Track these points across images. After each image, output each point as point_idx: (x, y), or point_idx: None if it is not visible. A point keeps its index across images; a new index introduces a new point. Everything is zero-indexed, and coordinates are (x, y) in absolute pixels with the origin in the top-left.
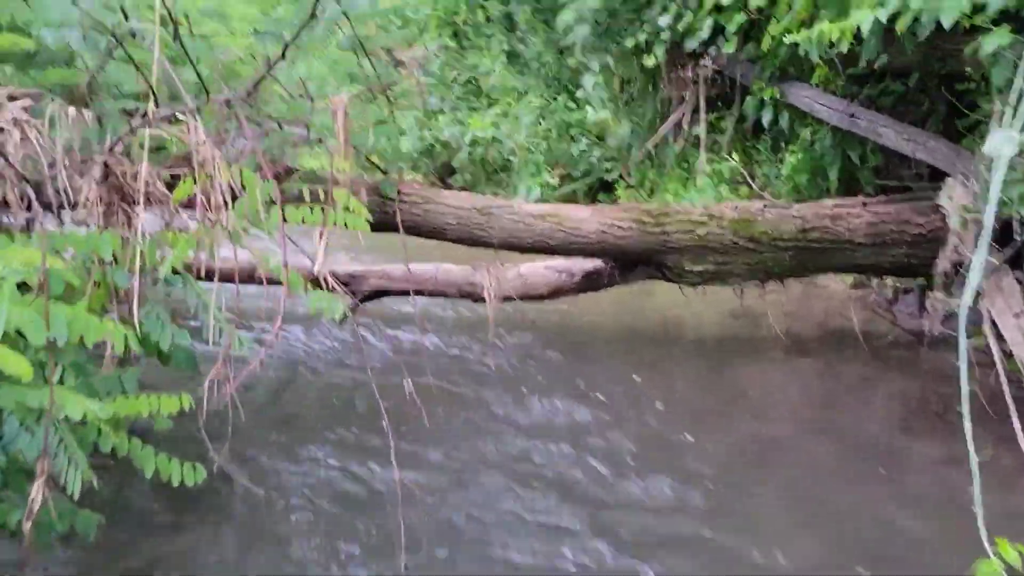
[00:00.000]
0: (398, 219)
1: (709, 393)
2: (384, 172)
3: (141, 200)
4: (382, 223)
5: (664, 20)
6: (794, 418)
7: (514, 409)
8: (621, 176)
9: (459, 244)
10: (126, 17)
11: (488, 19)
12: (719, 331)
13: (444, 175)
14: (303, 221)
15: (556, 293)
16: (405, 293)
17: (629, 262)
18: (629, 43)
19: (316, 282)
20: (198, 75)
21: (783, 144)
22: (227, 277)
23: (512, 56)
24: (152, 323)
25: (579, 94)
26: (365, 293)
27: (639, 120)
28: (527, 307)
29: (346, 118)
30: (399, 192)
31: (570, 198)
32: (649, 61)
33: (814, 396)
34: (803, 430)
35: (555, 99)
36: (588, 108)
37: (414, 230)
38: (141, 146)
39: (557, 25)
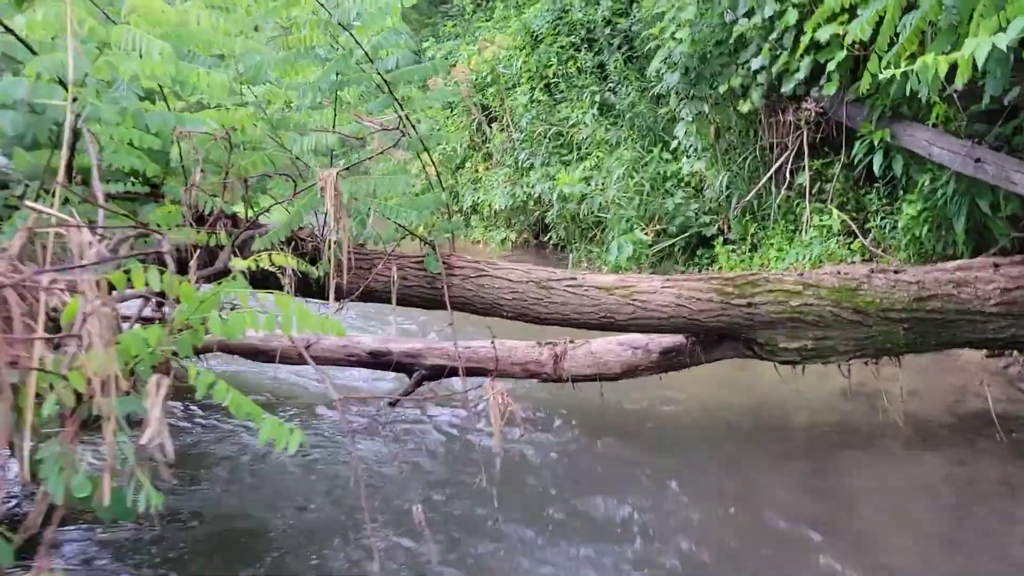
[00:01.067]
0: (446, 295)
1: (807, 502)
2: (431, 245)
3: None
4: (431, 299)
5: (758, 62)
6: (915, 542)
7: (567, 510)
8: (720, 231)
9: (516, 321)
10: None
11: (580, 70)
12: (825, 416)
13: (538, 233)
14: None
15: (631, 372)
16: (467, 373)
17: (713, 338)
18: (723, 88)
19: (377, 358)
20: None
21: (901, 192)
22: (271, 357)
23: (604, 107)
24: (48, 468)
25: (674, 144)
26: (423, 373)
27: (738, 170)
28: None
29: (337, 193)
30: (448, 265)
31: (666, 255)
32: (745, 106)
33: (941, 509)
34: (926, 560)
35: (650, 151)
36: (684, 159)
37: (467, 306)
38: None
39: (649, 73)
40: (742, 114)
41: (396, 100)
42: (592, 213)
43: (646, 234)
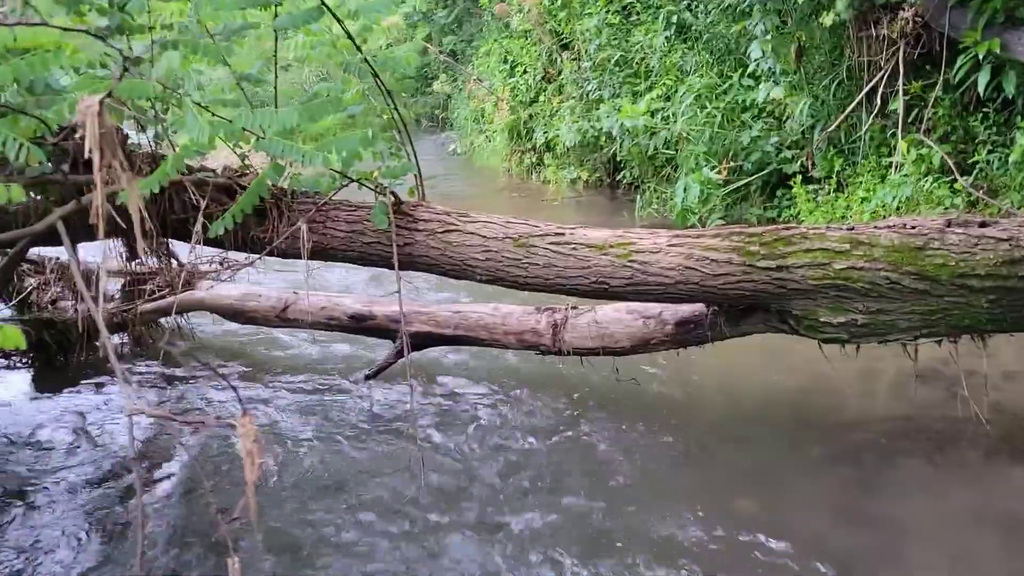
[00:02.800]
0: (394, 251)
1: (842, 532)
2: (381, 192)
3: None
4: (389, 259)
5: None
6: None
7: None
8: (803, 168)
9: (491, 285)
10: None
11: None
12: (889, 407)
13: (611, 172)
14: None
15: (641, 346)
16: (453, 342)
17: (739, 308)
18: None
19: (359, 322)
20: None
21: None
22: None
23: (681, 28)
24: None
25: (751, 67)
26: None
27: (823, 96)
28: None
29: (106, 131)
30: (411, 218)
31: (741, 198)
32: (830, 19)
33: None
34: None
35: (728, 77)
36: (762, 86)
37: (433, 267)
38: None
39: None
40: (827, 28)
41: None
42: (658, 150)
43: (719, 172)
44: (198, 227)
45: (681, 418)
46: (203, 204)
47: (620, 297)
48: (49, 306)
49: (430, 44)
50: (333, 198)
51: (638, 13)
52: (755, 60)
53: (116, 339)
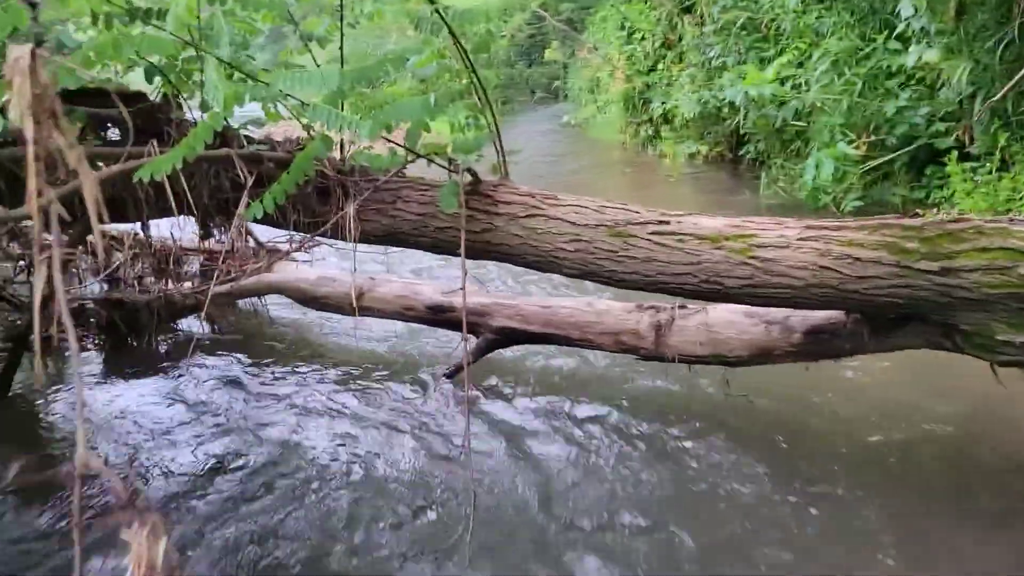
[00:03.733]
0: (461, 238)
1: None
2: (454, 169)
3: None
4: (471, 245)
5: None
6: None
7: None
8: (959, 143)
9: (583, 280)
10: None
11: None
12: None
13: (734, 146)
14: None
15: (761, 357)
16: (542, 340)
17: (888, 317)
18: None
19: (437, 313)
20: None
21: None
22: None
23: None
24: None
25: (900, 28)
26: (488, 338)
27: (987, 60)
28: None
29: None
30: (491, 200)
31: (882, 176)
32: None
33: None
34: None
35: (871, 40)
36: (912, 49)
37: (514, 258)
38: None
39: None
40: None
41: None
42: (787, 122)
43: (857, 147)
44: (241, 208)
45: (804, 448)
46: (249, 182)
47: (736, 300)
48: (136, 283)
49: (545, 10)
50: (407, 174)
51: None
52: (905, 19)
53: (193, 322)
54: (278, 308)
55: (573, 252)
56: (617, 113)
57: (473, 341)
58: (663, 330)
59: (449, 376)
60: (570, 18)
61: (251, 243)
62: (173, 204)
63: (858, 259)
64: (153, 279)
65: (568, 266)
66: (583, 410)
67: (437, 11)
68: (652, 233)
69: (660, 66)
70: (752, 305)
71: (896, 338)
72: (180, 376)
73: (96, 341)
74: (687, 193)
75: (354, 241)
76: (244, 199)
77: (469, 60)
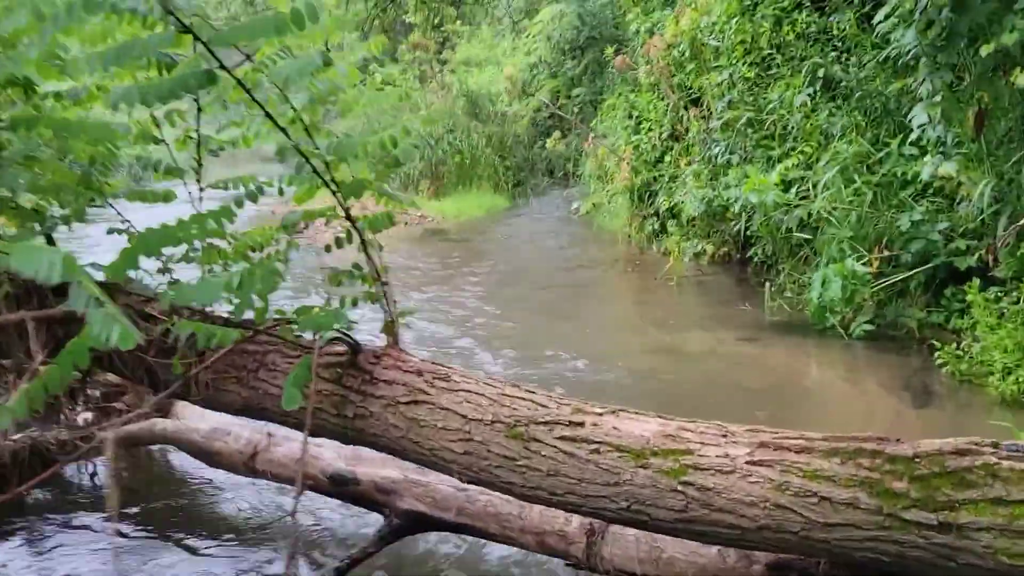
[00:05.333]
0: (306, 426)
1: None
2: (305, 347)
3: None
4: (338, 431)
5: None
6: None
7: None
8: (982, 263)
9: (474, 486)
10: None
11: (798, 36)
12: None
13: (741, 246)
14: None
15: None
16: (456, 530)
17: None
18: (988, 49)
19: (339, 485)
20: None
21: None
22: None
23: (828, 84)
24: None
25: (915, 135)
26: (393, 523)
27: (1010, 174)
28: None
29: None
30: (368, 377)
31: (896, 294)
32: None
33: None
34: None
35: (884, 144)
36: (927, 159)
37: (394, 451)
38: None
39: (876, 28)
40: (1020, 89)
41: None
42: (792, 231)
43: (868, 263)
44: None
45: None
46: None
47: (669, 533)
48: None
49: (556, 96)
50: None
51: (778, 66)
52: (919, 127)
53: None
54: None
55: (462, 455)
56: (623, 204)
57: (379, 523)
58: (596, 536)
59: (340, 572)
60: (582, 103)
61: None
62: None
63: (826, 499)
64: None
65: (459, 470)
66: None
67: (295, 147)
68: (560, 438)
69: (667, 158)
70: (692, 540)
71: None
72: (47, 538)
73: None
74: (687, 302)
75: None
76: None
77: (342, 201)
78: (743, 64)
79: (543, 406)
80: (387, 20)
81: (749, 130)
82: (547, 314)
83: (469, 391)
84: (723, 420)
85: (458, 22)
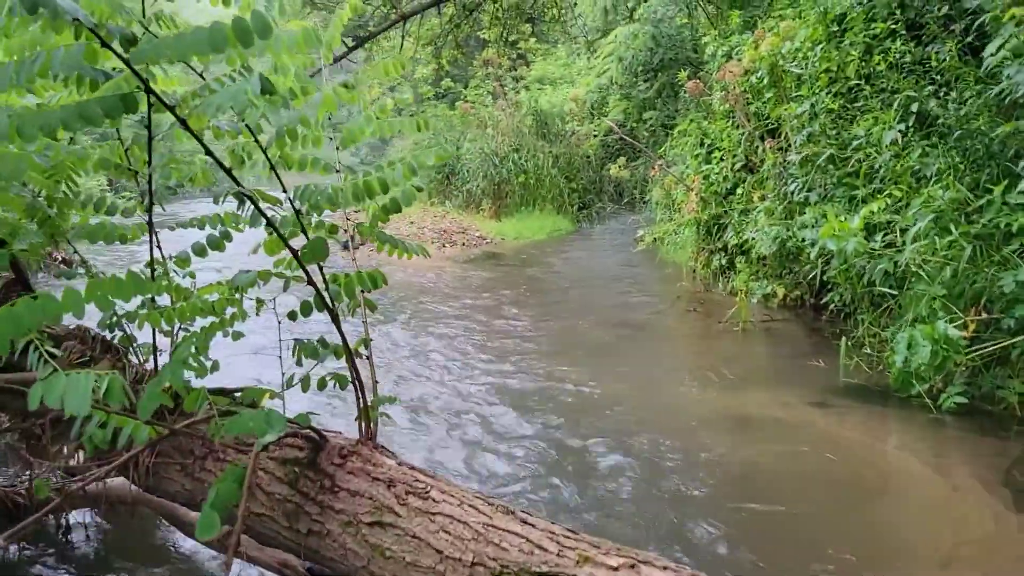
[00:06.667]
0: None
1: None
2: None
3: None
4: (290, 544)
5: None
6: None
7: None
8: None
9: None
10: None
11: (891, 66)
12: None
13: (816, 290)
14: None
15: None
16: None
17: None
18: None
19: None
20: None
21: None
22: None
23: (923, 120)
24: None
25: (1023, 184)
26: None
27: None
28: None
29: None
30: (328, 483)
31: (994, 360)
32: None
33: None
34: None
35: (986, 190)
36: None
37: (337, 570)
38: None
39: (986, 63)
40: None
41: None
42: (875, 284)
43: (963, 326)
44: None
45: None
46: None
47: None
48: None
49: (627, 118)
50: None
51: (866, 98)
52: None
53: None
54: None
55: None
56: (690, 236)
57: None
58: None
59: None
60: (660, 125)
61: None
62: None
63: None
64: None
65: None
66: None
67: (244, 192)
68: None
69: (739, 191)
70: None
71: None
72: None
73: None
74: (753, 353)
75: None
76: None
77: (307, 274)
78: (827, 95)
79: (540, 549)
80: (459, 35)
81: (831, 167)
82: (595, 361)
83: (450, 517)
84: (779, 521)
85: (532, 39)
